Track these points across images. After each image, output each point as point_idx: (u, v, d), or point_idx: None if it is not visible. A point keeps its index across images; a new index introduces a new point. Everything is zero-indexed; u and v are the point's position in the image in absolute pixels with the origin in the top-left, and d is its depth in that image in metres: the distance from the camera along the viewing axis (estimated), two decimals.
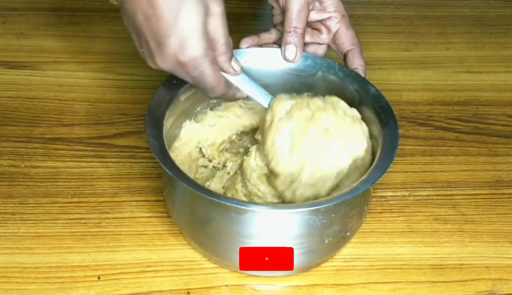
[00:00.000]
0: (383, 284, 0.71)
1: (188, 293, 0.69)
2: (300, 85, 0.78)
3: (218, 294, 0.69)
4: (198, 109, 0.77)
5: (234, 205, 0.62)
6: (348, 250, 0.74)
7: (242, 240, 0.65)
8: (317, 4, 0.80)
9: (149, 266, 0.71)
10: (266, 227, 0.65)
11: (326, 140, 0.68)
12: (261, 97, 0.71)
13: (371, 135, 0.72)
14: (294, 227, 0.65)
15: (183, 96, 0.73)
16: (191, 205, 0.68)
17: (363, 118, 0.73)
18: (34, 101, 0.90)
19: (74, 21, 1.04)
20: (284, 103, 0.70)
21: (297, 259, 0.67)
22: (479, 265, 0.73)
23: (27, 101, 0.90)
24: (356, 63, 0.78)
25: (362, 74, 0.77)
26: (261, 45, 0.81)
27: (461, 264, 0.73)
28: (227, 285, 0.70)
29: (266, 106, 0.71)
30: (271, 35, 0.82)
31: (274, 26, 0.83)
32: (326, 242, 0.66)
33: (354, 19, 0.82)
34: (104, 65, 0.96)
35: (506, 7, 1.14)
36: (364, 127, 0.70)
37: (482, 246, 0.75)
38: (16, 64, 0.96)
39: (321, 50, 0.82)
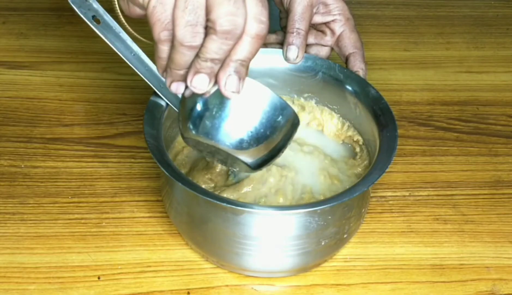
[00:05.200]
0: (383, 284, 0.71)
1: (188, 293, 0.69)
2: (300, 86, 0.78)
3: (218, 294, 0.69)
4: None
5: (230, 206, 0.62)
6: (348, 250, 0.74)
7: (239, 240, 0.65)
8: (322, 6, 0.80)
9: (149, 266, 0.71)
10: (263, 228, 0.65)
11: None
12: None
13: (368, 139, 0.72)
14: (290, 228, 0.65)
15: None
16: (188, 205, 0.68)
17: (362, 119, 0.73)
18: (34, 101, 0.90)
19: (74, 21, 1.04)
20: None
21: (294, 261, 0.67)
22: (479, 265, 0.73)
23: (27, 101, 0.90)
24: (357, 67, 0.78)
25: (363, 78, 0.77)
26: (265, 45, 0.81)
27: (461, 264, 0.73)
28: (227, 285, 0.70)
29: None
30: (278, 36, 0.82)
31: (282, 28, 0.83)
32: (323, 243, 0.66)
33: (354, 19, 0.82)
34: (104, 65, 0.96)
35: (506, 7, 1.14)
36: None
37: (482, 246, 0.75)
38: (16, 64, 0.96)
39: (323, 52, 0.82)
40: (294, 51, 0.76)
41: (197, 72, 0.56)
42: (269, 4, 0.59)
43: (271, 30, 0.83)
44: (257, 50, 0.56)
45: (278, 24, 0.85)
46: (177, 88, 0.59)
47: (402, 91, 0.96)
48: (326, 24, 0.81)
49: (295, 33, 0.76)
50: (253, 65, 0.77)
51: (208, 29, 0.53)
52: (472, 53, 1.04)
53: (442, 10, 1.13)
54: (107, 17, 0.67)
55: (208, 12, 0.53)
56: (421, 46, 1.05)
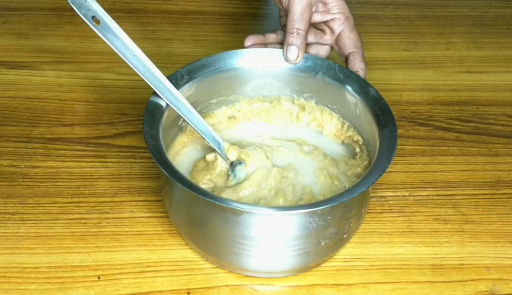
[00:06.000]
0: (383, 284, 0.71)
1: (188, 293, 0.69)
2: (300, 86, 0.78)
3: (218, 294, 0.69)
4: (198, 109, 0.77)
5: (230, 206, 0.62)
6: (348, 250, 0.74)
7: (239, 241, 0.65)
8: (321, 5, 0.80)
9: (149, 266, 0.71)
10: (262, 228, 0.65)
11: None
12: (214, 141, 0.72)
13: (368, 139, 0.73)
14: (290, 228, 0.65)
15: (183, 95, 0.73)
16: (188, 206, 0.68)
17: (362, 119, 0.73)
18: (34, 101, 0.90)
19: (74, 21, 1.04)
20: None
21: (294, 261, 0.67)
22: (479, 265, 0.73)
23: (27, 101, 0.90)
24: (357, 67, 0.78)
25: (363, 78, 0.77)
26: (265, 45, 0.81)
27: (461, 264, 0.73)
28: (227, 285, 0.70)
29: (219, 151, 0.72)
30: (277, 36, 0.82)
31: (282, 27, 0.83)
32: (323, 244, 0.66)
33: (354, 18, 0.82)
34: (104, 65, 0.96)
35: (506, 7, 1.14)
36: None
37: (482, 246, 0.75)
38: (16, 64, 0.96)
39: (323, 51, 0.82)
40: (294, 52, 0.76)
41: None
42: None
43: (264, 28, 0.83)
44: None
45: (278, 23, 0.85)
46: None
47: (402, 91, 0.96)
48: (325, 23, 0.81)
49: (295, 34, 0.76)
50: (253, 65, 0.77)
51: None
52: (472, 53, 1.04)
53: (442, 10, 1.13)
54: (107, 18, 0.67)
55: None
56: (421, 46, 1.05)
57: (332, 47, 0.82)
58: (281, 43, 0.80)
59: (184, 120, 0.72)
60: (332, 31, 0.81)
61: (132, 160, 0.83)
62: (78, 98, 0.91)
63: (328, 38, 0.81)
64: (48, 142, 0.84)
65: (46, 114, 0.88)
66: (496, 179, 0.83)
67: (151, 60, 0.69)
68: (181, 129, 0.76)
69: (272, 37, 0.82)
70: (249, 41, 0.80)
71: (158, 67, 0.70)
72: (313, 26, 0.82)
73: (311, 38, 0.81)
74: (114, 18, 0.68)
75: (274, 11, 1.01)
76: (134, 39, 0.68)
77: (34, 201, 0.77)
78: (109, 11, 0.67)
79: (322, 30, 0.81)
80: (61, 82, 0.94)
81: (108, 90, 0.93)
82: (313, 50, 0.82)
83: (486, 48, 1.05)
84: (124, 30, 0.68)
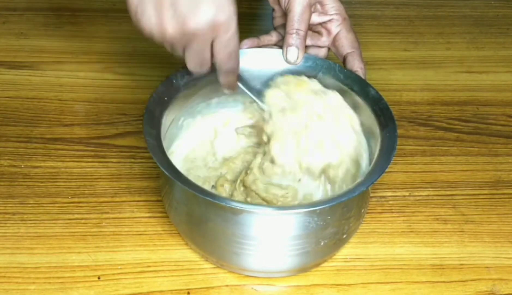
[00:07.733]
0: (383, 284, 0.71)
1: (188, 293, 0.69)
2: None
3: (218, 294, 0.69)
4: (198, 108, 0.77)
5: (230, 205, 0.62)
6: (348, 250, 0.74)
7: (238, 240, 0.65)
8: (318, 6, 0.80)
9: (149, 266, 0.71)
10: (262, 227, 0.65)
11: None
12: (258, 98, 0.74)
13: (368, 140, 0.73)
14: (290, 228, 0.65)
15: (183, 95, 0.73)
16: (188, 205, 0.68)
17: (362, 119, 0.74)
18: (34, 101, 0.90)
19: (74, 21, 1.04)
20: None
21: (293, 261, 0.67)
22: (479, 265, 0.73)
23: (27, 101, 0.90)
24: (357, 66, 0.78)
25: (362, 77, 0.77)
26: (260, 47, 0.81)
27: (461, 264, 0.73)
28: (227, 285, 0.70)
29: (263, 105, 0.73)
30: (271, 38, 0.82)
31: (275, 28, 0.83)
32: (322, 244, 0.66)
33: (354, 19, 0.82)
34: (104, 65, 0.96)
35: (506, 7, 1.14)
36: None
37: (482, 246, 0.75)
38: (16, 64, 0.96)
39: (321, 53, 0.81)
40: (294, 53, 0.76)
41: None
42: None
43: (264, 28, 0.83)
44: None
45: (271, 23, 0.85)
46: None
47: (402, 91, 0.96)
48: (322, 24, 0.81)
49: (294, 34, 0.76)
50: (253, 65, 0.77)
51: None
52: (472, 53, 1.04)
53: (442, 10, 1.13)
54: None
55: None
56: (421, 46, 1.05)
57: (329, 49, 0.82)
58: (276, 45, 0.80)
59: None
60: (329, 32, 0.81)
61: (132, 160, 0.83)
62: (78, 98, 0.91)
63: (325, 40, 0.81)
64: (48, 142, 0.84)
65: (46, 114, 0.88)
66: (496, 179, 0.83)
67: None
68: (181, 129, 0.76)
69: (266, 39, 0.82)
70: (244, 45, 0.80)
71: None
72: (310, 28, 0.82)
73: (308, 41, 0.81)
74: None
75: (269, 10, 1.01)
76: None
77: (34, 201, 0.77)
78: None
79: (319, 32, 0.81)
80: (61, 82, 0.94)
81: (108, 90, 0.93)
82: (311, 53, 0.81)
83: (486, 48, 1.05)
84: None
